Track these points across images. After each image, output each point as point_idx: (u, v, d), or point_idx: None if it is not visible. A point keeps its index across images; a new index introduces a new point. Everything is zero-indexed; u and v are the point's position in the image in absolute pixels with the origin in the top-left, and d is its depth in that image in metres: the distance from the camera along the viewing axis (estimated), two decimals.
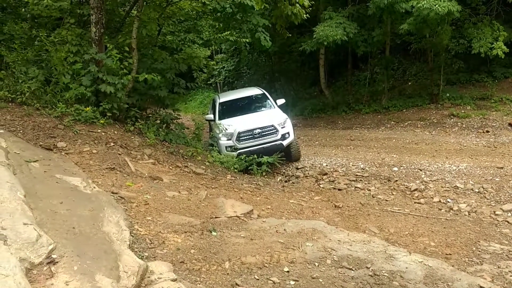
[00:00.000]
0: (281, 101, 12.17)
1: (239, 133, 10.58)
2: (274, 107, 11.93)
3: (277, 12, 10.76)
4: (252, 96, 12.88)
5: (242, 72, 28.15)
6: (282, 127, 10.77)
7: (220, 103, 12.26)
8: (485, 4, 15.84)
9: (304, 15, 10.32)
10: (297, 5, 9.99)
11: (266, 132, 10.66)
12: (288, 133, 10.89)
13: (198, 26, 13.53)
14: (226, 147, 10.60)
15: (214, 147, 10.85)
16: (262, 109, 12.18)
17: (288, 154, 11.20)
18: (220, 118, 11.61)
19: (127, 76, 8.72)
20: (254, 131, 10.60)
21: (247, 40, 13.16)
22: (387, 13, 15.32)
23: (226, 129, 10.70)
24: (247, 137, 10.63)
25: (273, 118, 11.10)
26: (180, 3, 10.80)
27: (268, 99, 12.36)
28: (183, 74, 11.67)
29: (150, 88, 9.68)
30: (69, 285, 2.90)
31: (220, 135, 10.74)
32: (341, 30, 15.64)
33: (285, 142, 10.75)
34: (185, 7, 10.90)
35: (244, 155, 9.91)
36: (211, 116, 12.07)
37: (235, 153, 10.31)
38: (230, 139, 10.62)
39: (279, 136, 10.70)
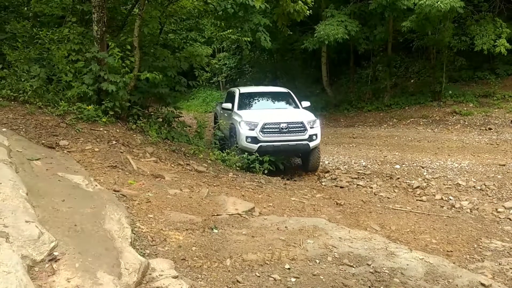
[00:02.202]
0: (306, 103, 11.22)
1: (265, 124, 9.68)
2: (299, 108, 11.10)
3: (278, 10, 10.72)
4: (276, 92, 12.22)
5: (244, 70, 28.17)
6: (311, 127, 9.88)
7: (240, 94, 11.44)
8: (487, 1, 15.81)
9: (307, 12, 10.28)
10: (300, 1, 9.96)
11: (294, 129, 9.79)
12: (316, 135, 9.98)
13: (200, 24, 13.53)
14: (247, 137, 9.68)
15: (215, 144, 10.50)
16: (287, 107, 11.38)
17: (306, 162, 10.40)
18: (239, 109, 10.82)
19: (129, 74, 8.73)
20: (281, 124, 9.71)
21: (249, 39, 13.14)
22: (389, 10, 15.32)
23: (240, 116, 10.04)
24: (273, 130, 9.72)
25: (302, 115, 10.28)
26: (182, 2, 10.79)
27: (293, 98, 11.54)
28: (186, 73, 11.66)
29: (152, 86, 9.69)
30: (71, 282, 2.92)
31: (242, 123, 9.86)
32: (343, 29, 15.64)
33: (311, 144, 9.84)
34: (186, 5, 10.90)
35: (252, 157, 9.26)
36: (228, 105, 11.18)
37: (255, 146, 9.59)
38: (253, 130, 9.68)
39: (306, 136, 9.79)
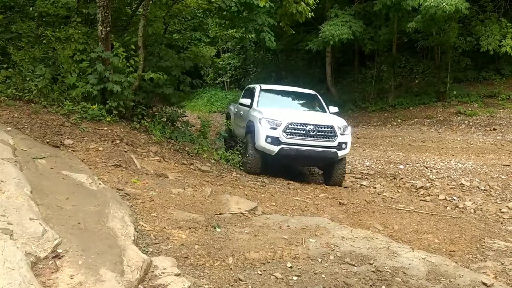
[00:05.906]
0: (334, 109, 10.05)
1: (290, 123, 8.55)
2: (327, 112, 9.94)
3: (282, 11, 10.74)
4: (301, 93, 10.99)
5: (248, 70, 28.19)
6: (341, 134, 8.74)
7: (262, 90, 10.32)
8: (492, 1, 15.77)
9: (309, 13, 10.29)
10: (302, 2, 9.97)
11: (322, 133, 8.65)
12: (346, 143, 8.79)
13: (205, 24, 13.56)
14: (267, 136, 8.52)
15: (222, 144, 10.36)
16: (314, 109, 10.20)
17: (329, 173, 9.15)
18: (259, 106, 9.71)
19: (134, 74, 8.76)
20: (308, 127, 8.54)
21: (253, 37, 13.16)
22: (394, 11, 15.32)
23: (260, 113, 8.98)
24: (298, 132, 8.57)
25: (333, 119, 9.10)
26: (186, 1, 10.83)
27: (321, 102, 10.40)
28: (191, 73, 11.67)
29: (156, 86, 9.71)
30: (74, 278, 2.95)
31: (262, 120, 8.70)
32: (347, 29, 15.67)
33: (340, 153, 8.69)
34: (190, 4, 10.93)
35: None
36: (246, 101, 10.10)
37: (276, 148, 8.48)
38: (275, 129, 8.52)
39: (335, 143, 8.63)
